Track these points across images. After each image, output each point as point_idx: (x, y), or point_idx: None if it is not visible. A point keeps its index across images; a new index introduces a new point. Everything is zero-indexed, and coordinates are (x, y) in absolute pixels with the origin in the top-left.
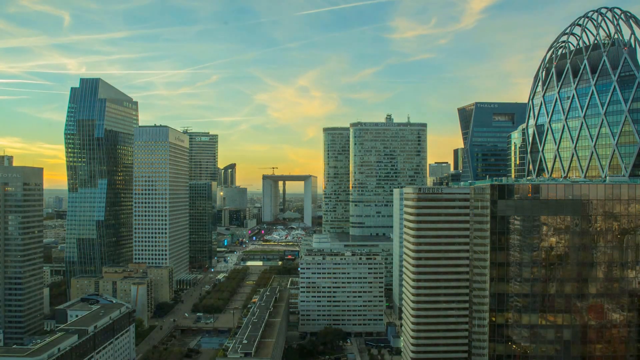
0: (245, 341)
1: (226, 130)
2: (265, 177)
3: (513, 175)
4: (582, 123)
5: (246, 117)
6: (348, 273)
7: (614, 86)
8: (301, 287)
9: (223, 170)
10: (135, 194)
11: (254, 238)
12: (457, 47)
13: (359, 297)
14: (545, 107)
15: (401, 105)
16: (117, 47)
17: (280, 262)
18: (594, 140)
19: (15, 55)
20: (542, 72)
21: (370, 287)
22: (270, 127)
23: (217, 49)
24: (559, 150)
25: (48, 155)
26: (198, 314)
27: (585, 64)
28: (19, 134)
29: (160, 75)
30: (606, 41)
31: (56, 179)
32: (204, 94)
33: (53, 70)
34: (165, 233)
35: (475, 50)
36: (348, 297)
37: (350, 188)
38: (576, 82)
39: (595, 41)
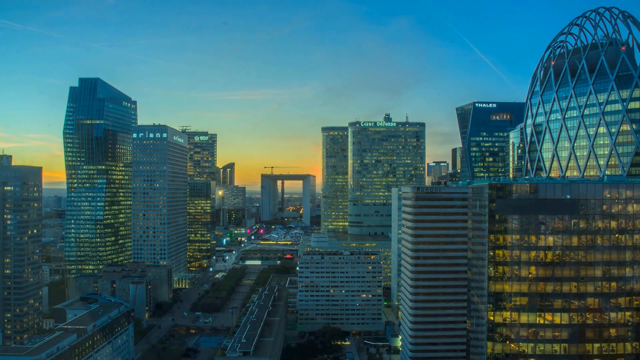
0: (243, 340)
1: (248, 110)
2: (264, 177)
3: (511, 175)
4: (580, 122)
5: (280, 92)
6: (346, 272)
7: (612, 86)
8: (300, 286)
9: (222, 170)
10: (134, 193)
11: (253, 237)
12: None
13: (357, 296)
14: (544, 106)
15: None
16: None
17: (278, 262)
18: (592, 139)
19: None
20: (540, 72)
21: (369, 286)
22: (304, 112)
23: None
24: (557, 149)
25: (39, 148)
26: (197, 313)
27: (583, 64)
28: None
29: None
30: (604, 41)
31: (55, 177)
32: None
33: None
34: (164, 232)
35: None
36: (346, 296)
37: (349, 187)
38: (574, 82)
39: (593, 41)
